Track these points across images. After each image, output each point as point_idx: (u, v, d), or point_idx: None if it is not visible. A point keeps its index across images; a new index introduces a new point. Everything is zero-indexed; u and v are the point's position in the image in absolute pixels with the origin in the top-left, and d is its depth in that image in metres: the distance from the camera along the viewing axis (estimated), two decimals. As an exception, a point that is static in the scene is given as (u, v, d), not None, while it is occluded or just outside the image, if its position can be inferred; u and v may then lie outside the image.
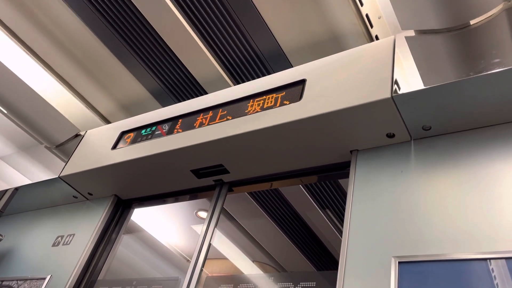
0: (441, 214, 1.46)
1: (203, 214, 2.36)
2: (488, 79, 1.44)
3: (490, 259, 1.28)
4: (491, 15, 1.60)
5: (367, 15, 2.18)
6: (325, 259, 2.07)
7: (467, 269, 1.30)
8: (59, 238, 2.55)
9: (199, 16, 2.39)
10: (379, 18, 2.16)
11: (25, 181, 2.77)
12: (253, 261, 2.24)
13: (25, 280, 2.40)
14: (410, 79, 1.63)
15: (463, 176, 1.51)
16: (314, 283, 1.68)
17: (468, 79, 1.45)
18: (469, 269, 1.30)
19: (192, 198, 2.53)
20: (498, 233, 1.32)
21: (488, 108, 1.53)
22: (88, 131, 2.78)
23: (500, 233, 1.31)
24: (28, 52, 2.70)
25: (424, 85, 1.54)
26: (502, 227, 1.32)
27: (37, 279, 2.35)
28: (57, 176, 2.58)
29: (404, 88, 1.59)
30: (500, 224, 1.33)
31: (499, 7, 1.60)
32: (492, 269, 1.26)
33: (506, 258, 1.26)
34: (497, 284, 1.23)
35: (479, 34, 1.60)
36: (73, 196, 2.70)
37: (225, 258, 2.22)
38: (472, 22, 1.63)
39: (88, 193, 2.65)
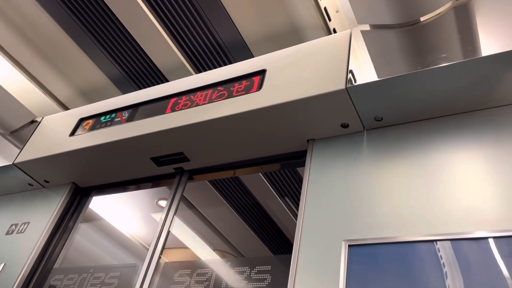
0: (390, 200, 1.53)
1: (164, 203, 2.36)
2: (435, 73, 1.52)
3: (436, 240, 1.36)
4: (439, 13, 1.69)
5: (325, 9, 2.24)
6: (284, 247, 2.13)
7: (414, 251, 1.37)
8: (13, 227, 2.48)
9: (161, 4, 2.37)
10: (337, 12, 2.22)
11: (-24, 167, 2.67)
12: (214, 250, 2.27)
13: (-24, 269, 2.33)
14: (365, 71, 1.69)
15: (411, 164, 1.60)
16: (269, 266, 1.73)
17: (416, 73, 1.53)
18: (417, 251, 1.37)
19: (152, 186, 2.52)
20: (444, 217, 1.40)
21: (435, 101, 1.62)
22: (45, 118, 2.71)
23: (446, 217, 1.40)
24: (-20, 34, 2.60)
25: (378, 78, 1.61)
26: (447, 211, 1.41)
27: (-11, 267, 2.29)
28: (11, 163, 2.50)
29: (359, 80, 1.66)
30: (445, 209, 1.42)
31: (447, 5, 1.69)
32: (438, 249, 1.34)
33: (451, 240, 1.34)
34: (443, 263, 1.31)
35: (428, 30, 1.68)
36: (29, 183, 2.63)
37: (186, 248, 2.24)
38: (422, 18, 1.72)
39: (45, 181, 2.58)
